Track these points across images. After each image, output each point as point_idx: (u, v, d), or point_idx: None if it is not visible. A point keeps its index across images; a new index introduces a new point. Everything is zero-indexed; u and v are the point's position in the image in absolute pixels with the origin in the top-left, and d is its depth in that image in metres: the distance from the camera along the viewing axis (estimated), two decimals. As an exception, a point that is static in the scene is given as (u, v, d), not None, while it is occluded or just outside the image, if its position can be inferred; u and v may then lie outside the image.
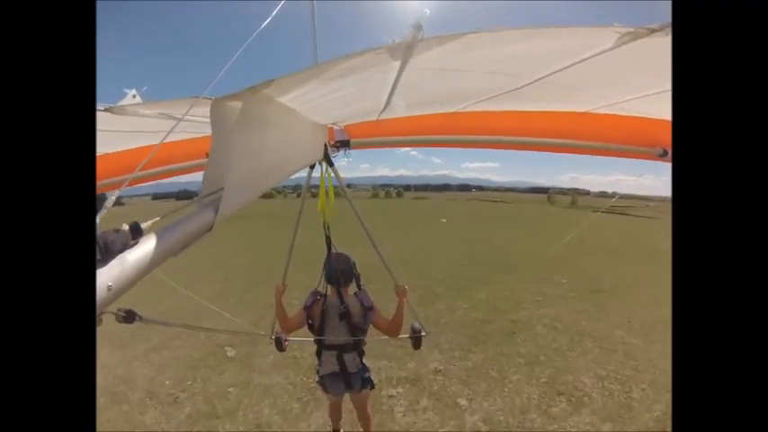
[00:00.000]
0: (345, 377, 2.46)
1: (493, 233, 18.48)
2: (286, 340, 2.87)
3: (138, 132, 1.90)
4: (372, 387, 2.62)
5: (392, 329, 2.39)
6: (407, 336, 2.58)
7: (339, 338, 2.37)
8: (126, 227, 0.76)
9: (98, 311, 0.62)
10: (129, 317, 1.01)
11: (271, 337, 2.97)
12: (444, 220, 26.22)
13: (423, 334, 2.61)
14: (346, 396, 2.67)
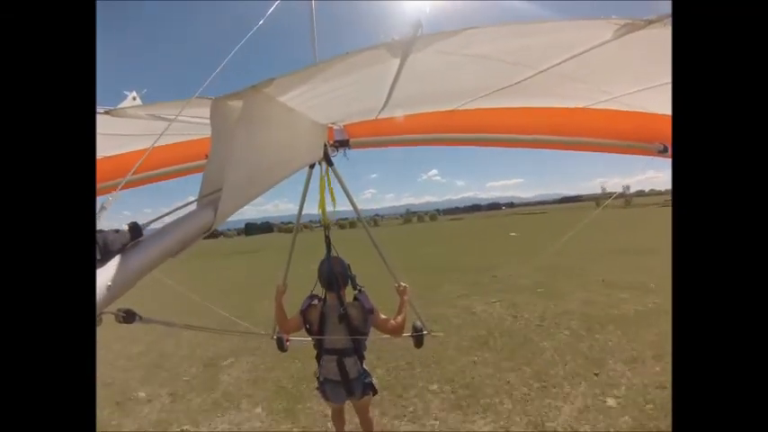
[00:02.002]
0: (346, 383, 2.39)
1: (600, 242, 14.00)
2: (287, 340, 2.89)
3: (140, 135, 1.90)
4: (375, 393, 2.54)
5: (395, 329, 2.37)
6: (409, 335, 2.58)
7: (339, 338, 2.34)
8: (125, 227, 0.76)
9: (98, 311, 0.63)
10: (128, 317, 1.02)
11: (272, 337, 2.99)
12: (514, 234, 24.20)
13: (424, 333, 2.62)
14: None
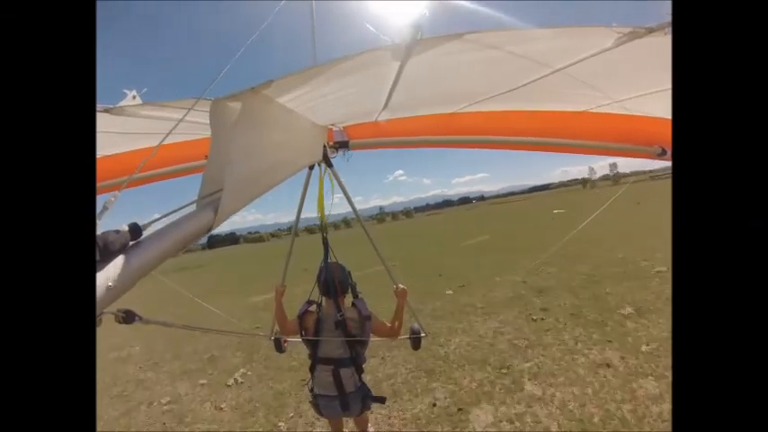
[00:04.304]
0: (342, 397, 2.21)
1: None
2: (285, 341, 2.87)
3: (139, 134, 1.90)
4: (373, 403, 2.39)
5: (393, 333, 2.34)
6: (407, 337, 2.58)
7: (335, 347, 2.25)
8: (125, 227, 0.76)
9: (98, 311, 0.62)
10: (128, 317, 1.01)
11: (270, 338, 2.97)
12: (560, 211, 22.66)
13: (422, 335, 2.61)
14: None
